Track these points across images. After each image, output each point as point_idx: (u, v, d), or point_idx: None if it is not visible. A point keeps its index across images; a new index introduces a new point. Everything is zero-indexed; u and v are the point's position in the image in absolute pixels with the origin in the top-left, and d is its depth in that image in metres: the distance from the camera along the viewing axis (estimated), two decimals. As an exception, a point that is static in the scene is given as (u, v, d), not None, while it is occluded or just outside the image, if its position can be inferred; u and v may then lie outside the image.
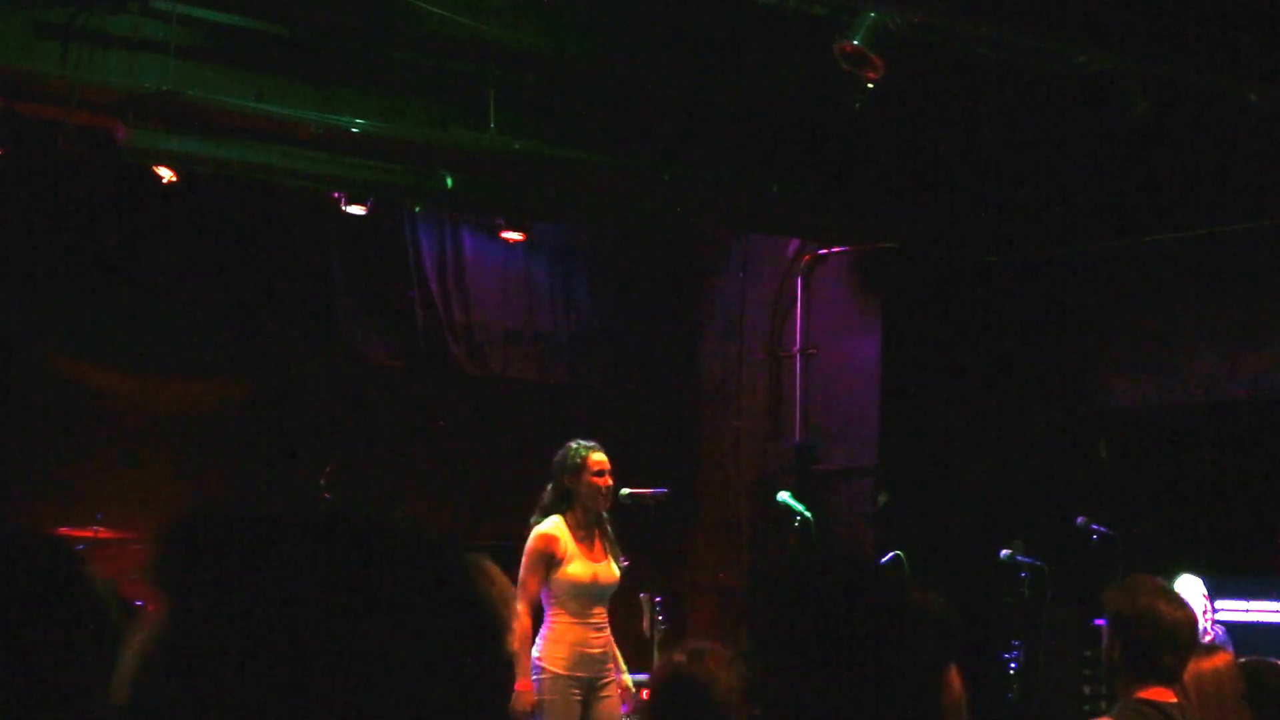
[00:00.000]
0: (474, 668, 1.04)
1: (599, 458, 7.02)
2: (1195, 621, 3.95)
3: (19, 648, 1.47)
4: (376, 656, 0.99)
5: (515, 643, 6.23)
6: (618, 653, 7.11)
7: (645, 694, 7.02)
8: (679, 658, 3.57)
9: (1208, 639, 7.32)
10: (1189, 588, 7.67)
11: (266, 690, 0.97)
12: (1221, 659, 4.15)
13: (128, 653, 1.03)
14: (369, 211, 8.85)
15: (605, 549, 7.02)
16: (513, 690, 6.57)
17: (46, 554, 1.55)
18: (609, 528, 7.08)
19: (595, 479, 6.96)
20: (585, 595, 6.89)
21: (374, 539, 1.04)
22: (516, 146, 7.78)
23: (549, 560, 6.85)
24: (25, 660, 1.45)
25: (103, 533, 7.83)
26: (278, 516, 1.05)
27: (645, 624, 7.27)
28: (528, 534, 6.95)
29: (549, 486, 7.04)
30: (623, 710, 7.06)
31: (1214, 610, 7.98)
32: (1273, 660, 4.48)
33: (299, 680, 0.98)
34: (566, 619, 6.87)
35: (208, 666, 0.98)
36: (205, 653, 0.98)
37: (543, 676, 6.79)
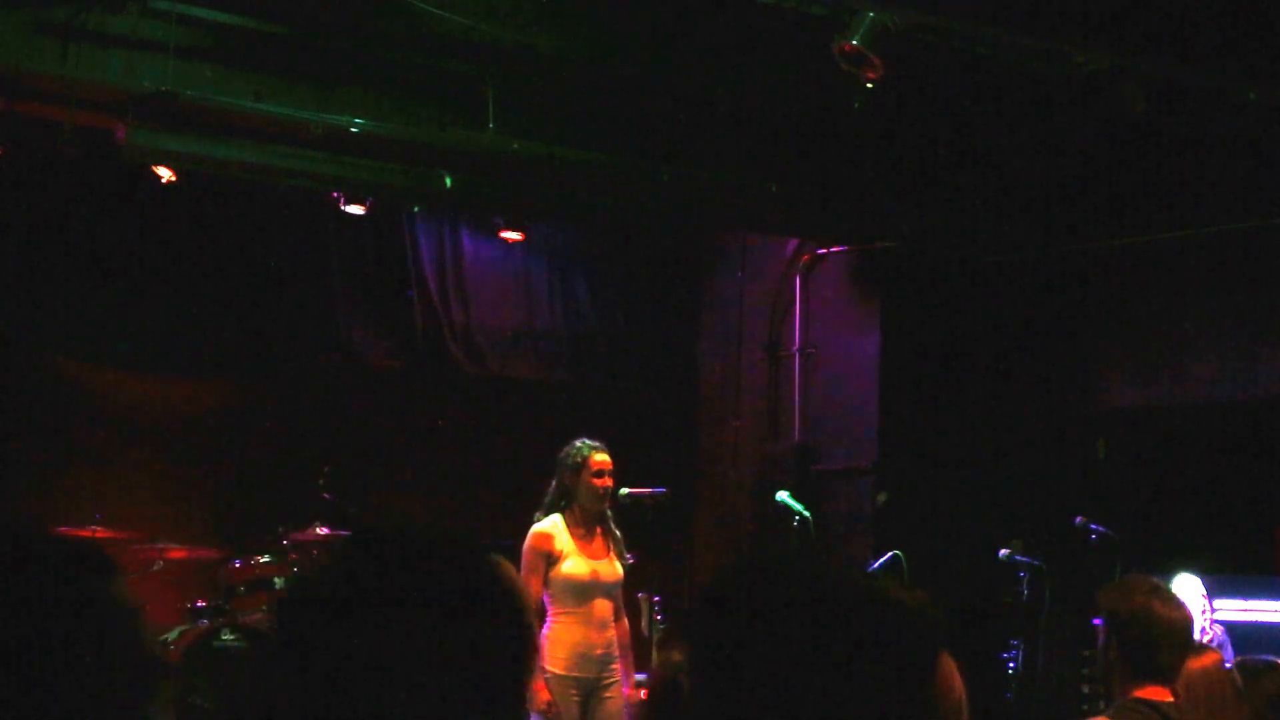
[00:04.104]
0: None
1: (601, 458, 7.00)
2: (1191, 621, 3.95)
3: (30, 660, 1.41)
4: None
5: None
6: (628, 661, 7.07)
7: (644, 694, 7.02)
8: (677, 657, 3.57)
9: (1207, 639, 7.32)
10: (1187, 587, 7.68)
11: None
12: (1210, 658, 4.14)
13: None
14: (368, 211, 8.85)
15: (607, 546, 7.00)
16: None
17: (71, 562, 1.50)
18: (613, 526, 7.07)
19: (594, 479, 6.95)
20: (584, 593, 6.87)
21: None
22: (515, 146, 7.77)
23: (546, 558, 6.84)
24: (33, 675, 1.40)
25: (101, 533, 7.82)
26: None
27: (644, 624, 7.26)
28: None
29: (553, 484, 7.04)
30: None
31: (1212, 610, 7.97)
32: (1270, 659, 4.47)
33: None
34: (567, 619, 6.85)
35: None
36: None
37: (542, 677, 6.78)
